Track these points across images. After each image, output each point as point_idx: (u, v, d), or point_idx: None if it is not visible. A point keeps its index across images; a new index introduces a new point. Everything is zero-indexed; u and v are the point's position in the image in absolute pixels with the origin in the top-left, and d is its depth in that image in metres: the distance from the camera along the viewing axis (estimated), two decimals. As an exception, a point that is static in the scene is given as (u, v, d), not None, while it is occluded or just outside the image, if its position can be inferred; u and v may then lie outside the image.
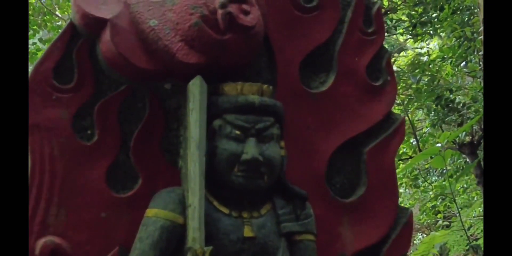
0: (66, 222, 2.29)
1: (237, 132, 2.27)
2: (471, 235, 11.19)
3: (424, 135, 9.98)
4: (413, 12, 8.45)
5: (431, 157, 4.95)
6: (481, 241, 10.42)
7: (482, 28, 4.69)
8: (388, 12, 8.89)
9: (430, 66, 8.77)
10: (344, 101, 2.66)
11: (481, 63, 5.45)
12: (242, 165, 2.25)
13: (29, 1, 8.81)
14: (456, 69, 8.90)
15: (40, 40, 9.54)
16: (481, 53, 4.74)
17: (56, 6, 9.92)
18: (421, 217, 11.15)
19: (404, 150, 10.40)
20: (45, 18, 9.70)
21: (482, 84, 5.11)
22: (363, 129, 2.67)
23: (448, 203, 9.95)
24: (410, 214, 2.69)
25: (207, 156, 2.24)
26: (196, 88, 2.24)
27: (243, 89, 2.33)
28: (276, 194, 2.37)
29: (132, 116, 2.42)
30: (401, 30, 9.09)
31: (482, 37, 4.72)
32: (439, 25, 8.40)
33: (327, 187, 2.61)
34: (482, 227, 10.57)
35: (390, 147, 2.70)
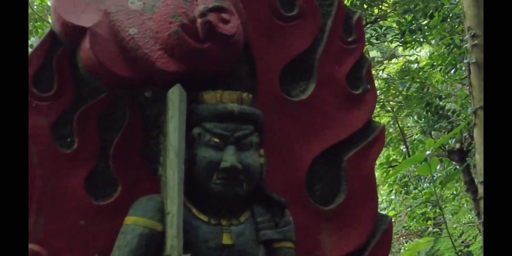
0: (45, 230, 2.29)
1: (216, 140, 2.29)
2: (462, 242, 11.23)
3: (414, 142, 10.01)
4: (402, 20, 8.49)
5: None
6: (472, 248, 10.47)
7: (467, 36, 4.72)
8: (378, 19, 8.92)
9: (420, 73, 8.81)
10: (324, 109, 2.68)
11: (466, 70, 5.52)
12: (221, 173, 2.27)
13: (19, 8, 8.77)
14: (446, 76, 8.94)
15: (31, 46, 9.53)
16: (466, 60, 4.77)
17: (47, 12, 9.92)
18: (411, 224, 11.18)
19: (394, 156, 10.43)
20: (36, 24, 9.69)
21: (468, 91, 5.15)
22: (343, 137, 2.68)
23: (438, 210, 9.98)
24: (390, 221, 2.71)
25: (186, 164, 2.25)
26: (175, 96, 2.25)
27: (223, 97, 2.34)
28: (255, 201, 2.38)
29: (112, 124, 2.43)
30: (391, 38, 9.12)
31: (467, 45, 4.75)
32: (428, 33, 8.44)
33: (307, 195, 2.62)
34: (473, 234, 10.62)
35: (370, 155, 2.72)
